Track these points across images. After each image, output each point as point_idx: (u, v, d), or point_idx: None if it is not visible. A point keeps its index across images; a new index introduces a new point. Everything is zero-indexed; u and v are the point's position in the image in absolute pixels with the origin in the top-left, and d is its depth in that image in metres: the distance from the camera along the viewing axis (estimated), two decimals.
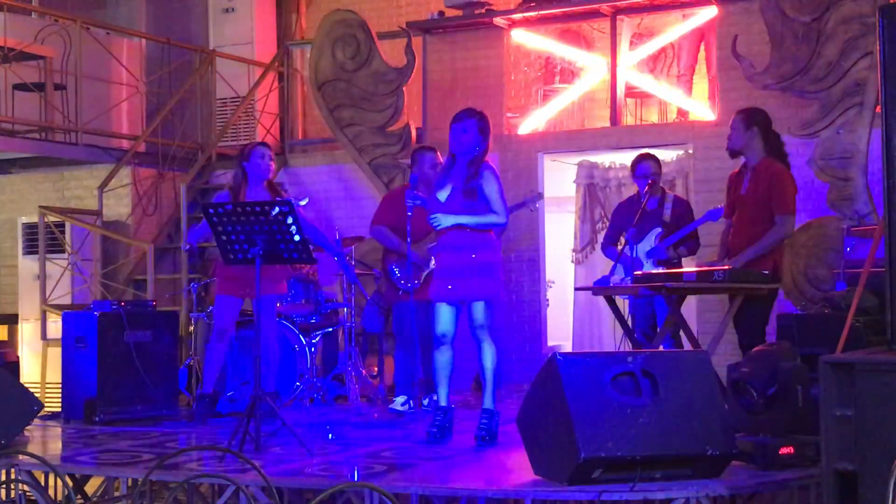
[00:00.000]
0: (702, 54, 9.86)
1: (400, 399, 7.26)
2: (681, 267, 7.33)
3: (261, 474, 4.59)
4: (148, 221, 10.65)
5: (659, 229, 7.39)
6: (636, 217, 7.29)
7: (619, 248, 7.45)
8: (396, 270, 7.37)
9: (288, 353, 7.76)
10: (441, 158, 7.10)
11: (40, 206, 10.04)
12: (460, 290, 5.94)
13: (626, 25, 9.85)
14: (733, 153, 6.96)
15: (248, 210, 5.83)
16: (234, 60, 11.38)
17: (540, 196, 7.76)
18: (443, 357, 6.03)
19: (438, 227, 5.92)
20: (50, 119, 10.46)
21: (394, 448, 5.80)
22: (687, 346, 6.99)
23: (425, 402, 7.30)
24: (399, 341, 7.46)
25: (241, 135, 11.36)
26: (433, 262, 6.55)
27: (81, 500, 5.67)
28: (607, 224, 10.05)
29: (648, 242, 7.42)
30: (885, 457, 3.70)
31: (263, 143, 7.43)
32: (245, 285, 6.96)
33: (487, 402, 5.98)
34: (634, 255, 7.28)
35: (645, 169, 7.49)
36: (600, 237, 10.13)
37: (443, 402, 6.04)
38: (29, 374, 9.85)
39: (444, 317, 6.01)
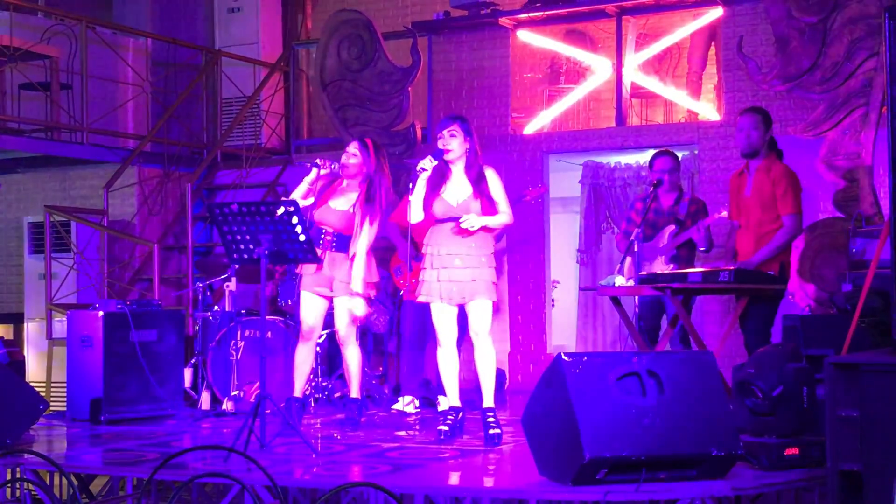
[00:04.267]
0: (712, 53, 9.83)
1: (404, 399, 7.24)
2: (693, 266, 7.27)
3: (266, 474, 4.59)
4: (153, 221, 10.65)
5: (673, 227, 7.34)
6: (644, 213, 7.19)
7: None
8: (398, 271, 7.38)
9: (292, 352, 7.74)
10: None
11: (46, 206, 10.03)
12: (463, 291, 5.96)
13: (632, 26, 9.83)
14: (752, 154, 6.88)
15: (253, 210, 5.84)
16: (239, 60, 11.36)
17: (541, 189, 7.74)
18: (448, 358, 6.07)
19: (473, 229, 5.91)
20: (56, 119, 10.46)
21: (398, 448, 5.81)
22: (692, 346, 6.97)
23: (442, 399, 7.22)
24: (405, 340, 7.44)
25: (246, 135, 11.36)
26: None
27: (86, 500, 5.68)
28: (612, 224, 10.07)
29: (662, 240, 7.37)
30: (891, 457, 3.70)
31: (354, 141, 6.77)
32: (325, 283, 6.57)
33: (489, 401, 6.03)
34: (637, 249, 7.16)
35: (662, 164, 7.42)
36: (605, 238, 10.12)
37: (453, 402, 6.09)
38: (34, 373, 9.86)
39: (447, 318, 6.03)
